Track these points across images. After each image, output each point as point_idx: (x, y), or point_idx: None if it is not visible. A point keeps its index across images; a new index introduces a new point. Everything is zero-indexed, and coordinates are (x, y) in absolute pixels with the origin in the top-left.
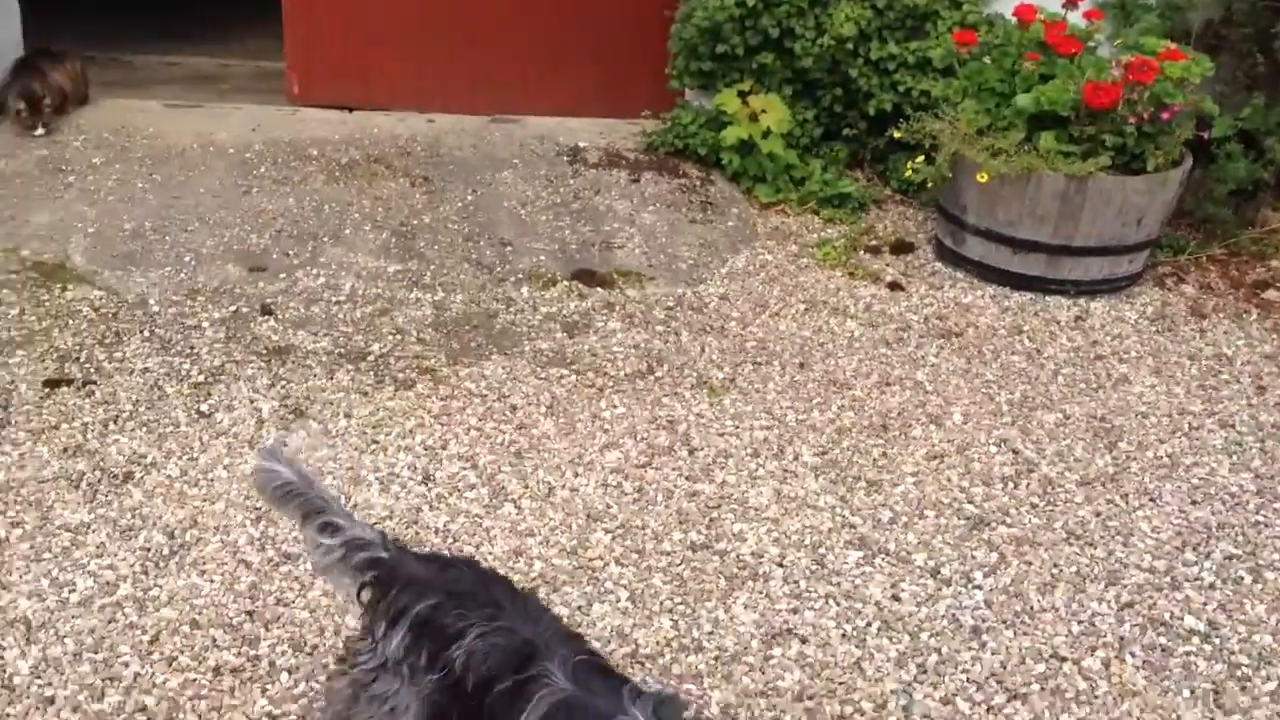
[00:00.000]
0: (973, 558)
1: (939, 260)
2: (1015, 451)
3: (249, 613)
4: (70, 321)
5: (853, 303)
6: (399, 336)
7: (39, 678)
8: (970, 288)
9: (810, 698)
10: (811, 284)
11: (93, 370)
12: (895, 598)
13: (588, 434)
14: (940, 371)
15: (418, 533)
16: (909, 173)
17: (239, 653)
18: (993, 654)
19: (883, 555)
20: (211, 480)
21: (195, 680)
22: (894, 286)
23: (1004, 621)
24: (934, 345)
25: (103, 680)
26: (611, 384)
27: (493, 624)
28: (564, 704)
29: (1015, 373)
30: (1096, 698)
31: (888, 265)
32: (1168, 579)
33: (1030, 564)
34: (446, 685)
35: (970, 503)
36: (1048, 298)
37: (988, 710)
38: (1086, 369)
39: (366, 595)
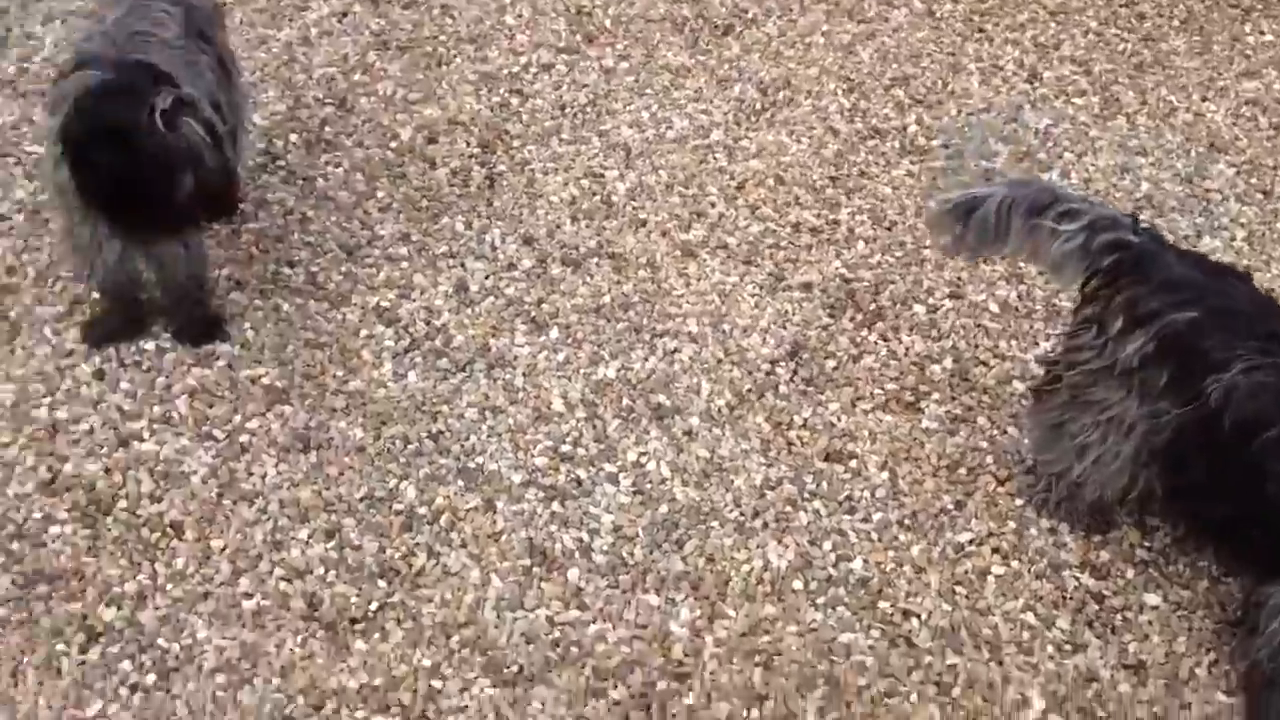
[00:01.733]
0: None
1: None
2: None
3: (832, 179)
4: None
5: None
6: None
7: (633, 200)
8: None
9: None
10: None
11: None
12: None
13: (1224, 57)
14: None
15: (1015, 130)
16: None
17: (818, 214)
18: None
19: None
20: (808, 44)
21: (774, 231)
22: None
23: None
24: None
25: (690, 214)
26: (1263, 6)
27: (1265, 359)
28: None
29: None
30: None
31: None
32: None
33: None
34: (1197, 417)
35: None
36: None
37: None
38: None
39: (1097, 281)
